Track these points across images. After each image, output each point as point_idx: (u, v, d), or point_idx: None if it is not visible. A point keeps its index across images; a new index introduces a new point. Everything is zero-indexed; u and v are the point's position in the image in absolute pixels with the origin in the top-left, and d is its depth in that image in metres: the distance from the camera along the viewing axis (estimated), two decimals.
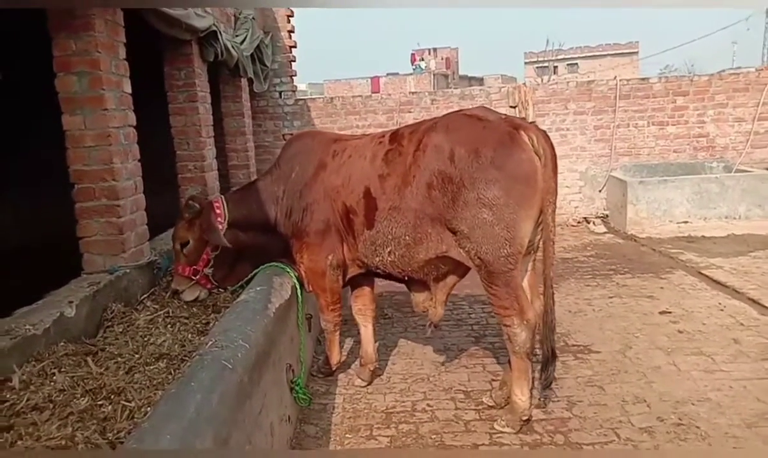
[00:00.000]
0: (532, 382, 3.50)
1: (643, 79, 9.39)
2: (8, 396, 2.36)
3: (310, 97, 10.76)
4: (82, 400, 2.34)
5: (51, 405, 2.30)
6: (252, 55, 7.57)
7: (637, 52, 52.52)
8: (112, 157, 3.69)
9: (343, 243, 3.70)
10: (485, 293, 3.35)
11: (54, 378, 2.48)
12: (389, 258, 3.54)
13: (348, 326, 4.65)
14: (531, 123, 3.35)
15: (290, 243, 3.83)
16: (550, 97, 9.21)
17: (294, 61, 9.40)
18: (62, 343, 2.84)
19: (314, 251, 3.71)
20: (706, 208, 8.19)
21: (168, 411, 1.97)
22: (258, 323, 2.91)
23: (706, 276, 6.04)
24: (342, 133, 3.96)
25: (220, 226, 3.71)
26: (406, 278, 3.68)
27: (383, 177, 3.43)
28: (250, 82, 7.93)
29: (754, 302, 5.18)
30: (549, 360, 3.35)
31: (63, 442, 1.97)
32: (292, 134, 8.56)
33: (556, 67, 48.46)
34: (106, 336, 3.15)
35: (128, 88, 3.98)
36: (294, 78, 9.45)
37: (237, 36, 7.02)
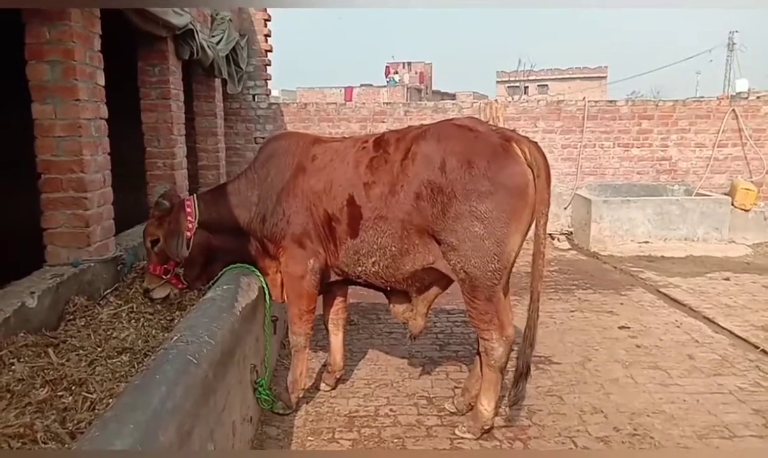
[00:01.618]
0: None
1: (610, 101, 9.66)
2: None
3: (282, 100, 10.74)
4: (42, 391, 2.30)
5: (8, 395, 2.25)
6: (227, 56, 7.55)
7: (605, 77, 53.87)
8: (82, 149, 3.63)
9: (323, 249, 3.53)
10: (455, 303, 3.33)
11: (13, 367, 2.44)
12: (373, 269, 3.42)
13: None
14: (524, 136, 3.26)
15: (266, 247, 3.64)
16: (520, 115, 9.40)
17: (269, 64, 9.39)
18: (22, 334, 2.78)
19: (293, 255, 3.53)
20: (666, 229, 8.44)
21: (132, 402, 1.95)
22: (224, 320, 2.89)
23: (665, 294, 6.23)
24: (321, 134, 3.86)
25: (191, 226, 3.55)
26: (388, 288, 3.57)
27: (368, 184, 3.30)
28: (224, 83, 7.90)
29: (708, 320, 5.37)
30: (523, 375, 3.29)
31: (21, 430, 1.94)
32: (264, 138, 8.54)
33: (527, 87, 49.37)
34: (68, 329, 3.10)
35: (102, 81, 3.93)
36: (268, 82, 9.44)
37: (213, 36, 7.00)
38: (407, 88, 41.00)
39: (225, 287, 3.41)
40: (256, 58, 9.15)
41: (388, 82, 44.87)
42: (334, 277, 3.67)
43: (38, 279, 3.32)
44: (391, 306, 3.76)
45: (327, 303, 4.01)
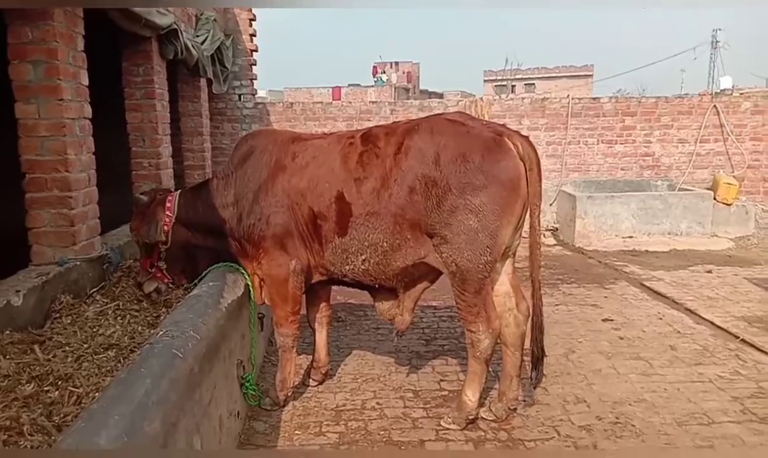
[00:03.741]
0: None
1: (594, 98, 9.77)
2: None
3: (269, 100, 10.75)
4: (28, 386, 2.32)
5: None
6: (212, 56, 7.55)
7: (591, 75, 54.11)
8: (66, 148, 3.64)
9: (306, 249, 3.48)
10: (442, 298, 3.36)
11: None
12: (363, 267, 3.39)
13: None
14: (515, 131, 3.30)
15: (246, 249, 3.60)
16: (505, 112, 9.47)
17: (254, 64, 9.40)
18: (8, 331, 2.80)
19: (274, 257, 3.47)
20: (650, 224, 8.55)
21: (117, 394, 1.99)
22: (210, 316, 2.92)
23: (648, 287, 6.32)
24: (300, 132, 3.83)
25: (168, 221, 3.57)
26: (376, 286, 3.55)
27: (359, 180, 3.26)
28: (209, 82, 7.91)
29: (690, 312, 5.46)
30: (539, 359, 3.39)
31: (8, 423, 1.96)
32: None
33: (514, 86, 49.55)
34: (54, 327, 3.11)
35: (85, 80, 3.94)
36: (254, 81, 9.45)
37: (198, 36, 7.01)
38: (395, 88, 41.01)
39: (211, 284, 3.43)
40: (242, 58, 9.16)
41: (375, 81, 44.84)
42: (318, 278, 3.64)
43: (24, 278, 3.33)
44: (377, 304, 3.76)
45: (310, 302, 4.00)
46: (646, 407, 3.67)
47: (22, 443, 1.91)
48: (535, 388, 3.64)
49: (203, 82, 7.56)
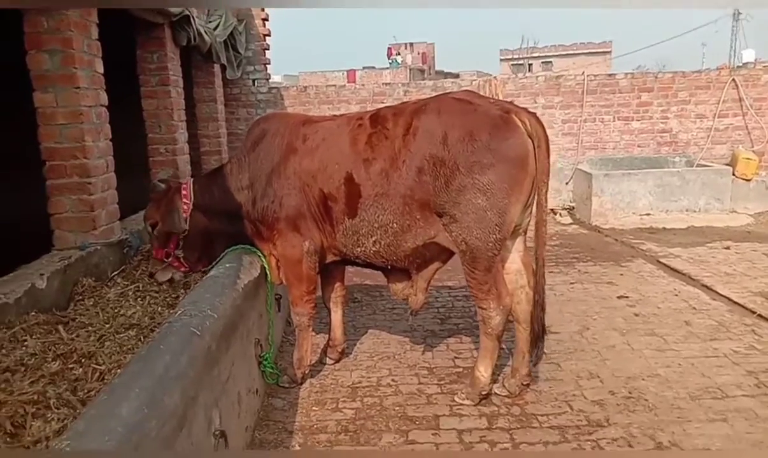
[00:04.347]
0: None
1: (610, 75, 9.66)
2: None
3: (283, 85, 10.79)
4: (54, 364, 2.42)
5: (23, 368, 2.37)
6: (225, 41, 7.60)
7: (610, 52, 53.23)
8: (84, 135, 3.73)
9: (319, 231, 3.53)
10: (457, 278, 3.38)
11: (26, 343, 2.56)
12: (374, 248, 3.43)
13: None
14: (522, 108, 3.29)
15: (261, 231, 3.66)
16: (519, 91, 9.41)
17: (268, 49, 9.43)
18: (33, 313, 2.90)
19: (288, 239, 3.53)
20: (667, 201, 8.48)
21: (138, 370, 2.07)
22: (227, 296, 3.00)
23: (664, 264, 6.30)
24: (311, 115, 3.84)
25: (186, 208, 3.61)
26: (388, 267, 3.58)
27: (368, 161, 3.28)
28: (223, 68, 7.96)
29: (707, 288, 5.44)
30: (539, 336, 3.42)
31: (35, 397, 2.06)
32: None
33: (530, 65, 48.99)
34: (77, 309, 3.22)
35: (100, 68, 4.01)
36: (268, 66, 9.48)
37: (210, 22, 7.05)
38: (410, 69, 40.73)
39: (228, 266, 3.51)
40: (255, 43, 9.19)
41: (390, 63, 44.59)
42: (331, 258, 3.69)
43: (47, 263, 3.44)
44: (390, 284, 3.81)
45: (325, 282, 4.06)
46: (659, 382, 3.68)
47: (49, 416, 2.00)
48: (536, 365, 3.64)
49: (217, 68, 7.63)
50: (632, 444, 3.05)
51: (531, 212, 3.41)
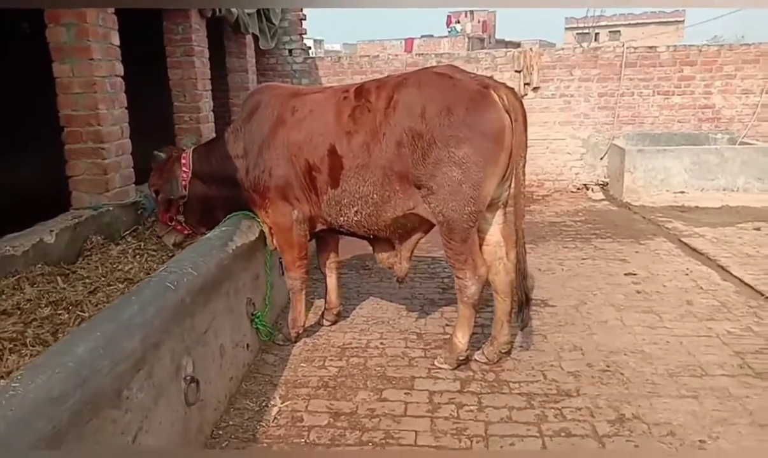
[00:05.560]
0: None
1: (650, 47, 9.32)
2: None
3: (321, 55, 10.94)
4: (46, 309, 2.71)
5: (18, 312, 2.67)
6: (258, 12, 7.78)
7: (683, 21, 50.53)
8: (98, 104, 4.01)
9: (306, 201, 3.68)
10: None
11: (24, 290, 2.86)
12: (355, 218, 3.57)
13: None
14: (501, 83, 3.36)
15: (254, 199, 3.84)
16: (555, 63, 9.23)
17: (304, 19, 9.57)
18: (39, 265, 3.22)
19: (279, 207, 3.71)
20: (704, 179, 8.20)
21: (105, 316, 2.31)
22: (213, 256, 3.22)
23: (685, 243, 6.18)
24: (301, 86, 3.93)
25: (185, 176, 3.85)
26: (371, 237, 3.74)
27: (350, 134, 3.40)
28: (256, 38, 8.16)
29: (721, 269, 5.33)
30: (523, 304, 3.52)
31: (14, 335, 2.34)
32: None
33: (597, 34, 47.11)
34: (83, 263, 3.53)
35: (116, 41, 4.27)
36: (303, 36, 9.64)
37: None
38: (469, 38, 39.95)
39: (223, 229, 3.73)
40: (291, 14, 9.34)
41: (449, 32, 43.93)
42: (320, 227, 3.85)
43: (61, 220, 3.77)
44: (376, 254, 3.96)
45: (321, 249, 4.27)
46: (641, 358, 3.71)
47: (23, 352, 2.28)
48: (522, 330, 3.74)
49: (249, 38, 7.82)
50: (594, 414, 3.12)
51: (510, 186, 3.48)
